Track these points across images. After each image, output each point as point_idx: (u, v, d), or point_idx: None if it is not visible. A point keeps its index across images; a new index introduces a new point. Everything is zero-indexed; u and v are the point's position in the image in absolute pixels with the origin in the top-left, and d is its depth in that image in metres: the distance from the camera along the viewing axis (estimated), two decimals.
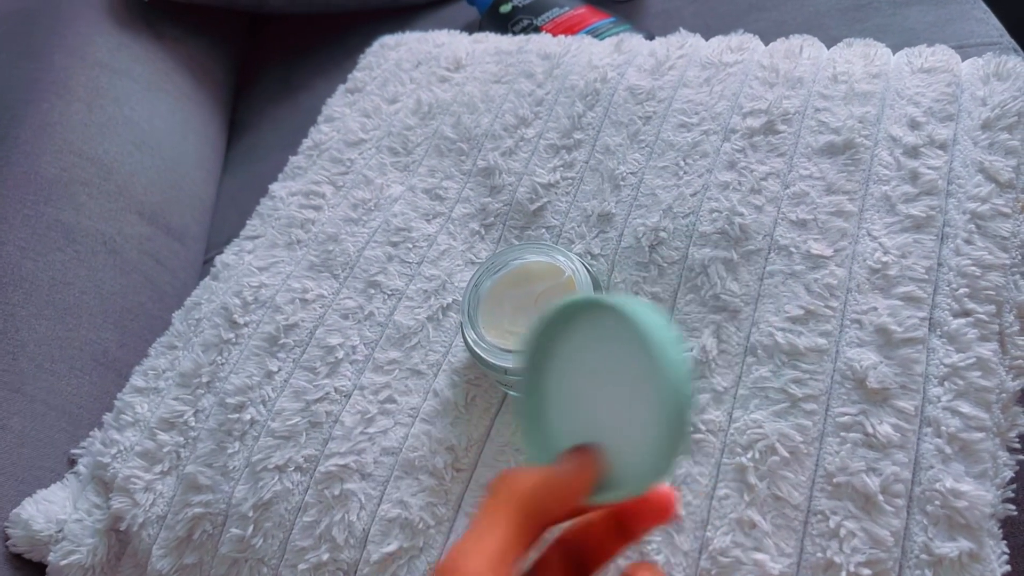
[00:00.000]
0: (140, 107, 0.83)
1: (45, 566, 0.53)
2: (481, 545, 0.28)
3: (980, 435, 0.43)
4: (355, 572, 0.47)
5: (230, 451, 0.52)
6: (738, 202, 0.51)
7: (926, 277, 0.47)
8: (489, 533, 0.28)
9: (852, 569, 0.40)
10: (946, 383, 0.44)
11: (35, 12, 0.85)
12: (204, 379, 0.56)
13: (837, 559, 0.40)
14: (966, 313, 0.46)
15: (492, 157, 0.61)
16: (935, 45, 0.60)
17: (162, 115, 0.86)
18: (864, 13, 0.80)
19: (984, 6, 0.78)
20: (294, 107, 0.98)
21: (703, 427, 0.45)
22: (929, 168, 0.50)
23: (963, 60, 0.58)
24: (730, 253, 0.49)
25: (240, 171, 0.94)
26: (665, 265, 0.51)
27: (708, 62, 0.61)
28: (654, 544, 0.43)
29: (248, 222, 0.68)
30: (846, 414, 0.43)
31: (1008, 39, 0.74)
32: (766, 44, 0.63)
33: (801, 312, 0.46)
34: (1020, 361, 0.46)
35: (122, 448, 0.55)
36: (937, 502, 0.41)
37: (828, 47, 0.62)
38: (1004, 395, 0.45)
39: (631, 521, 0.32)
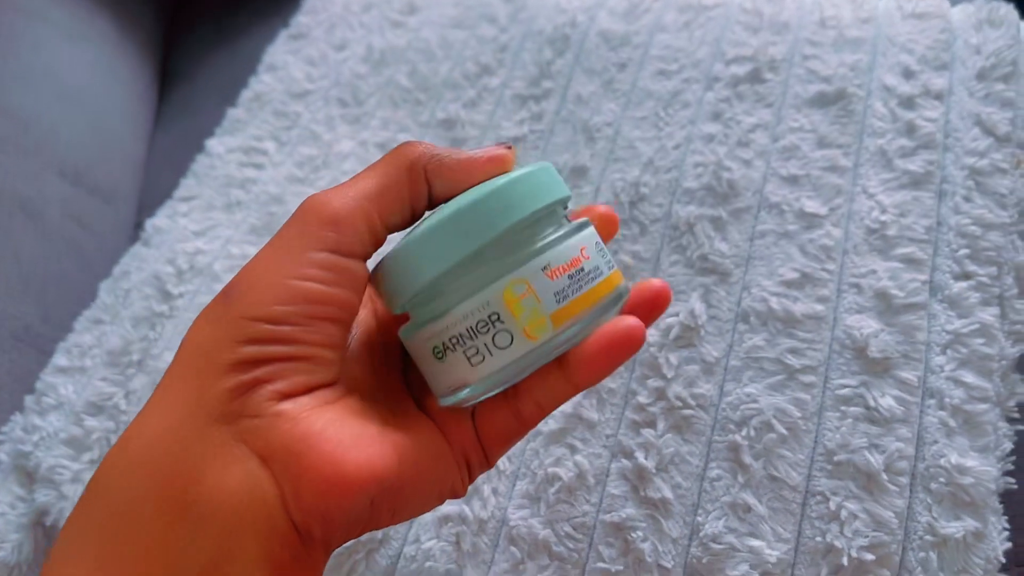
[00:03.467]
0: (60, 55, 0.75)
1: None
2: (350, 183, 0.26)
3: (984, 406, 0.40)
4: None
5: None
6: (724, 155, 0.47)
7: (926, 237, 0.43)
8: (359, 177, 0.27)
9: (854, 554, 0.37)
10: (948, 351, 0.41)
11: None
12: (135, 357, 0.50)
13: (838, 543, 0.37)
14: (967, 276, 0.43)
15: (452, 108, 0.56)
16: None
17: (85, 64, 0.78)
18: None
19: None
20: (231, 54, 0.90)
21: (692, 402, 0.41)
22: (926, 120, 0.47)
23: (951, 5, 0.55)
24: (717, 211, 0.45)
25: (173, 126, 0.86)
26: (647, 223, 0.46)
27: (686, 5, 0.56)
28: (640, 531, 0.39)
29: (182, 181, 0.61)
30: (846, 386, 0.40)
31: None
32: None
33: (796, 275, 0.43)
34: (1019, 326, 0.43)
35: (45, 434, 0.49)
36: (942, 479, 0.38)
37: None
38: (1004, 362, 0.42)
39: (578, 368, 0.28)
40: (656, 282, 0.28)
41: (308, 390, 0.25)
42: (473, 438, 0.28)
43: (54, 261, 0.64)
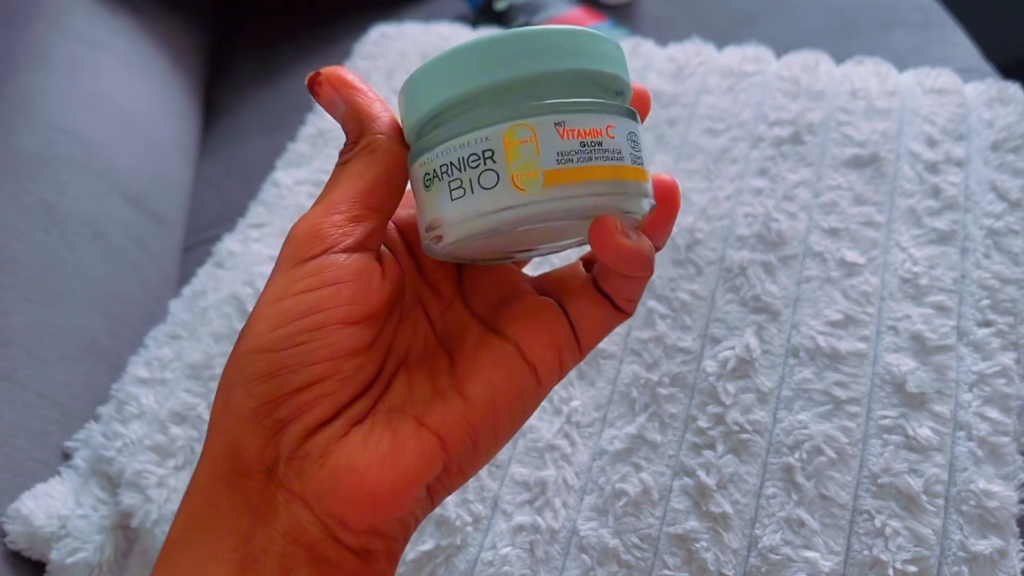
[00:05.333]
0: (120, 83, 0.79)
1: (44, 564, 0.50)
2: (322, 198, 0.26)
3: (1006, 439, 0.45)
4: None
5: None
6: (772, 208, 0.52)
7: (953, 288, 0.49)
8: (329, 188, 0.26)
9: (898, 566, 0.41)
10: (975, 389, 0.46)
11: None
12: (216, 371, 0.54)
13: (883, 556, 0.41)
14: (988, 323, 0.48)
15: None
16: (939, 68, 0.63)
17: (142, 93, 0.82)
18: (851, 34, 0.84)
19: (962, 33, 0.83)
20: (275, 91, 0.95)
21: (749, 427, 0.46)
22: (949, 184, 0.53)
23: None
24: (768, 256, 0.51)
25: (218, 155, 0.90)
26: (703, 264, 0.51)
27: (728, 71, 0.62)
28: (702, 542, 0.43)
29: (251, 209, 0.65)
30: (887, 417, 0.45)
31: (985, 66, 0.79)
32: None
33: (840, 317, 0.48)
34: None
35: (128, 441, 0.52)
36: (972, 502, 0.43)
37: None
38: (1020, 401, 0.47)
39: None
40: (662, 176, 0.27)
41: (335, 412, 0.25)
42: (565, 330, 0.28)
43: (118, 280, 0.67)
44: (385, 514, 0.24)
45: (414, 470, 0.24)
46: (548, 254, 0.32)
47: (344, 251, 0.25)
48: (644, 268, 0.26)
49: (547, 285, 0.30)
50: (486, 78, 0.23)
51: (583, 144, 0.23)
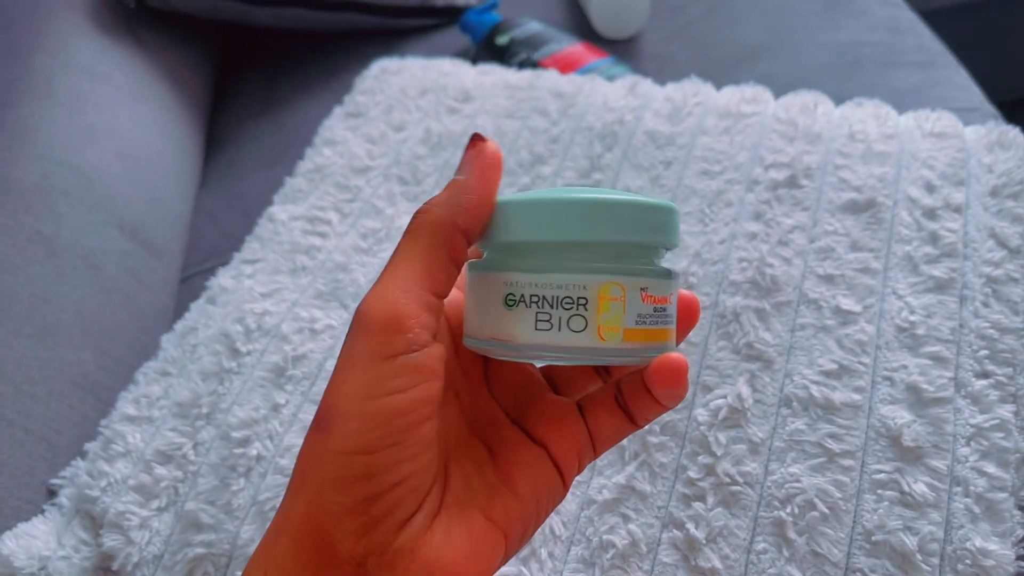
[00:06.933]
0: (122, 115, 0.80)
1: None
2: (393, 275, 0.26)
3: (1004, 495, 0.44)
4: None
5: (234, 488, 0.49)
6: (767, 253, 0.52)
7: (951, 338, 0.48)
8: (401, 265, 0.27)
9: None
10: (972, 443, 0.45)
11: (11, 9, 0.81)
12: (204, 410, 0.53)
13: None
14: (986, 375, 0.47)
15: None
16: (938, 110, 0.62)
17: (143, 125, 0.82)
18: (852, 71, 0.83)
19: (965, 72, 0.82)
20: (276, 124, 0.95)
21: (740, 479, 0.45)
22: (947, 230, 0.52)
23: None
24: (761, 303, 0.50)
25: (218, 187, 0.90)
26: None
27: (725, 112, 0.62)
28: None
29: (246, 244, 0.65)
30: (882, 471, 0.44)
31: (988, 106, 0.78)
32: None
33: (834, 366, 0.47)
34: None
35: (112, 481, 0.51)
36: (968, 560, 0.42)
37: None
38: (1018, 455, 0.46)
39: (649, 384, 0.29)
40: (686, 293, 0.31)
41: (418, 506, 0.26)
42: (585, 436, 0.30)
43: (110, 312, 0.67)
44: None
45: (490, 564, 0.27)
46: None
47: (427, 345, 0.26)
48: (679, 402, 0.29)
49: (558, 381, 0.33)
50: (592, 235, 0.26)
51: (655, 310, 0.27)
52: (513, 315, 0.27)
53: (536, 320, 0.26)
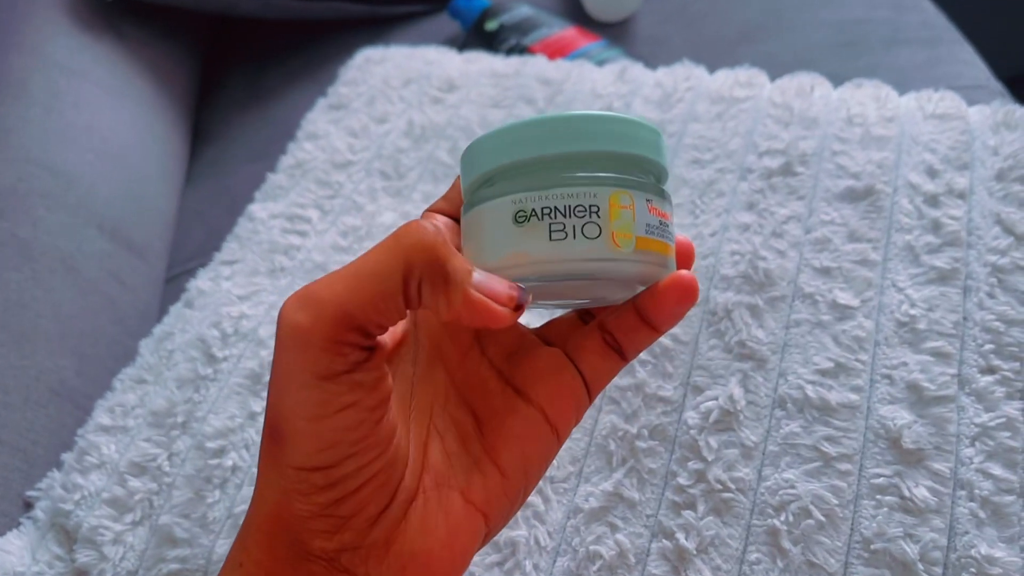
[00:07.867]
0: (101, 113, 0.78)
1: None
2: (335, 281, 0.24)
3: (1011, 498, 0.41)
4: None
5: (210, 500, 0.48)
6: (760, 245, 0.49)
7: (954, 332, 0.45)
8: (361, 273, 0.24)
9: None
10: (977, 443, 0.43)
11: None
12: (179, 419, 0.51)
13: None
14: (992, 370, 0.45)
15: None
16: (941, 90, 0.59)
17: (124, 122, 0.80)
18: (855, 51, 0.80)
19: (971, 49, 0.79)
20: (263, 117, 0.93)
21: (732, 485, 0.42)
22: (950, 218, 0.50)
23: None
24: (754, 299, 0.48)
25: (204, 184, 0.88)
26: None
27: (718, 97, 0.59)
28: None
29: (225, 245, 0.63)
30: (881, 475, 0.42)
31: (994, 83, 0.75)
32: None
33: (831, 365, 0.45)
34: None
35: (87, 493, 0.50)
36: (972, 569, 0.40)
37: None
38: None
39: (653, 306, 0.29)
40: (681, 236, 0.30)
41: (390, 499, 0.26)
42: (580, 385, 0.30)
43: (91, 316, 0.65)
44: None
45: (468, 548, 0.27)
46: (551, 308, 0.35)
47: (369, 357, 0.25)
48: (678, 321, 0.29)
49: (549, 334, 0.32)
50: (590, 145, 0.27)
51: (660, 223, 0.28)
52: (524, 231, 0.26)
53: (551, 231, 0.26)
